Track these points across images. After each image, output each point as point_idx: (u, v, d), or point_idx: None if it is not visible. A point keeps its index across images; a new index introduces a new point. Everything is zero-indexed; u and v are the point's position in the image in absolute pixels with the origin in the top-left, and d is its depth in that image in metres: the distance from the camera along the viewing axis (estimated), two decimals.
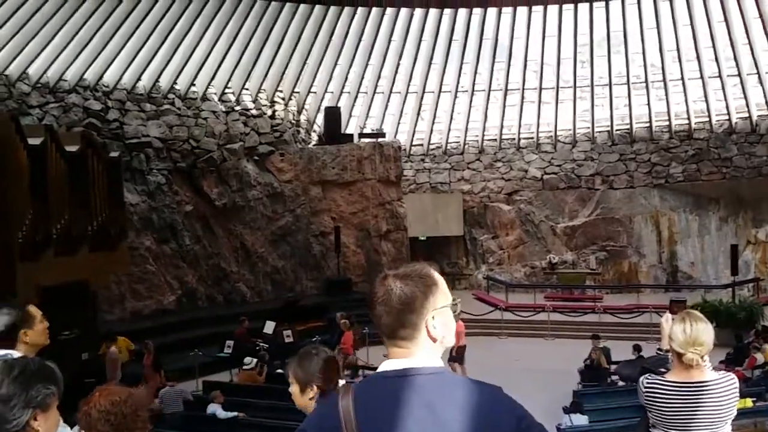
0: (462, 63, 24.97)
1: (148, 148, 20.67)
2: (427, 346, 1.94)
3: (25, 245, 13.15)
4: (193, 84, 22.12)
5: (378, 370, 1.95)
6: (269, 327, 16.54)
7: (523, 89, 25.68)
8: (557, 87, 25.54)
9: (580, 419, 11.52)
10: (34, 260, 13.42)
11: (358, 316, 17.49)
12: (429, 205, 26.24)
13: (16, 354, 3.20)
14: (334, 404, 1.89)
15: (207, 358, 16.25)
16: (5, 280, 12.75)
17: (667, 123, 25.76)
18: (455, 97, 25.86)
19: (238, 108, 22.88)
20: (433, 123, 26.64)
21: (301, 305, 19.60)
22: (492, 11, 23.50)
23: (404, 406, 1.85)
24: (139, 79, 21.10)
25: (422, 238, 25.94)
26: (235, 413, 12.26)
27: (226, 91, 22.79)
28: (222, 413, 12.20)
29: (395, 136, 26.00)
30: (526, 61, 25.06)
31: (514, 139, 26.91)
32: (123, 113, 20.75)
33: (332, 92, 25.11)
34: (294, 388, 3.18)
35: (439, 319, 1.95)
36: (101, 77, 20.37)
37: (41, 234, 13.68)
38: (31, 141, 13.66)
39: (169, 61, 21.13)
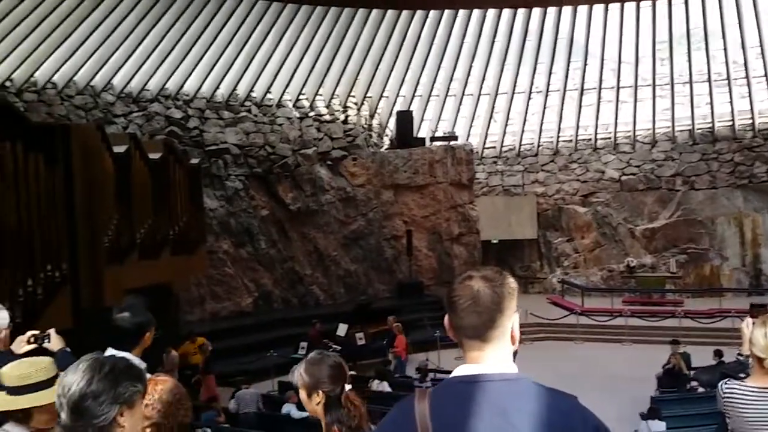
0: (536, 63, 24.69)
1: (226, 155, 21.27)
2: (506, 349, 1.95)
3: (111, 250, 13.74)
4: (268, 91, 22.62)
5: (453, 375, 1.95)
6: (342, 329, 16.78)
7: (600, 88, 25.22)
8: (635, 85, 24.95)
9: (658, 426, 11.30)
10: (119, 264, 14.01)
11: (431, 318, 17.53)
12: (502, 207, 26.04)
13: (135, 359, 3.41)
14: (409, 409, 1.89)
15: (282, 359, 16.59)
16: (93, 284, 13.37)
17: (751, 121, 24.86)
18: (529, 98, 25.60)
19: (311, 114, 23.27)
20: (506, 125, 26.43)
21: (373, 308, 19.76)
22: (567, 9, 23.16)
23: (479, 413, 1.84)
24: (217, 87, 21.73)
25: (494, 242, 25.77)
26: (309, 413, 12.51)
27: (300, 97, 23.22)
28: (296, 413, 12.47)
29: (467, 139, 25.91)
30: (603, 59, 24.61)
31: (590, 139, 26.45)
32: (202, 121, 21.41)
33: (404, 96, 25.24)
34: (302, 394, 3.19)
35: (516, 323, 2.00)
36: (182, 87, 21.07)
37: (126, 239, 14.27)
38: (116, 149, 14.26)
39: (245, 69, 21.67)
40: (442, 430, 1.83)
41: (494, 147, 26.98)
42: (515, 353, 1.87)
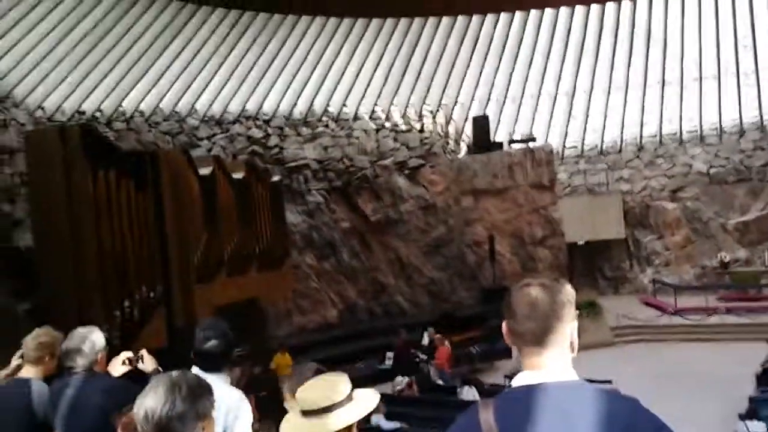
0: (614, 58, 24.20)
1: (306, 170, 21.71)
2: (565, 356, 1.98)
3: (200, 269, 14.25)
4: (344, 105, 22.98)
5: (515, 383, 1.98)
6: (426, 338, 16.82)
7: (682, 80, 24.50)
8: (719, 75, 24.13)
9: (757, 426, 10.88)
10: (209, 282, 14.51)
11: None
12: (586, 208, 25.52)
13: (224, 381, 3.58)
14: (474, 418, 1.92)
15: (369, 370, 16.76)
16: (185, 302, 13.88)
17: None
18: (608, 94, 25.09)
19: (387, 125, 23.48)
20: (587, 123, 25.97)
21: (457, 315, 19.73)
22: (642, 2, 22.65)
23: (543, 420, 1.86)
24: (295, 105, 22.23)
25: (580, 243, 25.30)
26: (398, 424, 12.62)
27: (376, 109, 23.47)
28: (385, 424, 12.59)
29: (546, 140, 25.60)
30: (682, 51, 23.92)
31: (675, 133, 25.69)
32: (282, 138, 21.92)
33: (479, 101, 25.17)
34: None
35: (575, 330, 2.02)
36: (261, 107, 21.67)
37: (214, 257, 14.77)
38: (202, 171, 14.79)
39: (321, 86, 22.11)
40: None
41: (575, 146, 26.53)
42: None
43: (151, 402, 2.03)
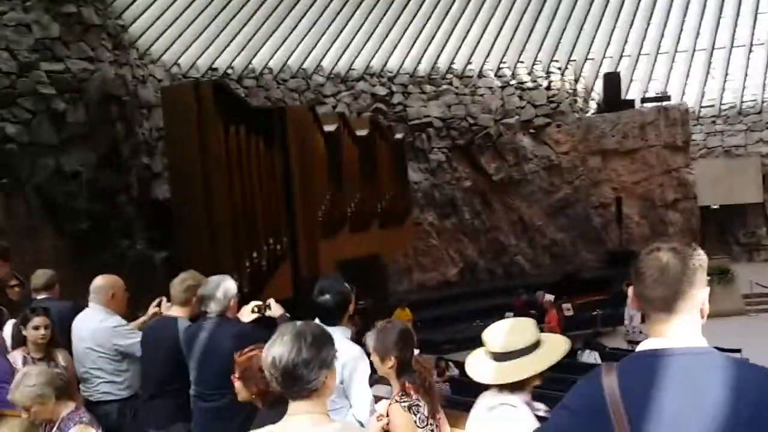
0: (756, 14, 22.58)
1: (429, 128, 21.70)
2: (694, 323, 1.92)
3: (324, 224, 14.64)
4: (469, 62, 22.68)
5: (641, 348, 1.93)
6: (548, 300, 16.60)
7: None
8: None
9: None
10: (332, 237, 14.89)
11: None
12: (722, 170, 24.19)
13: (340, 331, 3.72)
14: (597, 382, 1.88)
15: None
16: (310, 255, 14.34)
17: None
18: (750, 51, 23.49)
19: (513, 82, 23.01)
20: (725, 81, 24.46)
21: (580, 278, 19.34)
22: None
23: (669, 386, 1.82)
24: (419, 62, 22.15)
25: (714, 207, 24.07)
26: None
27: (501, 66, 23.03)
28: None
29: (682, 99, 24.33)
30: None
31: None
32: (406, 96, 21.95)
33: (611, 57, 24.18)
34: (374, 358, 3.37)
35: (706, 297, 1.94)
36: (386, 64, 21.74)
37: (338, 213, 15.12)
38: (327, 128, 15.10)
39: (446, 42, 21.90)
40: (633, 402, 1.83)
41: (713, 106, 25.09)
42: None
43: (278, 349, 2.12)
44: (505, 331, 3.02)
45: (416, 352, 3.48)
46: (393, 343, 3.33)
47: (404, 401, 3.24)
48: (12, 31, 12.34)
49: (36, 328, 4.62)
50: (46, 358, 4.66)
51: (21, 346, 4.71)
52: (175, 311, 4.62)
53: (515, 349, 2.96)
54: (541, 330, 11.63)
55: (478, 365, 3.06)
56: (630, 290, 2.02)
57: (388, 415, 3.22)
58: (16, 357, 4.65)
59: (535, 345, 2.99)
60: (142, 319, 5.21)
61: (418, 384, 3.32)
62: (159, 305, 5.08)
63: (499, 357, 2.98)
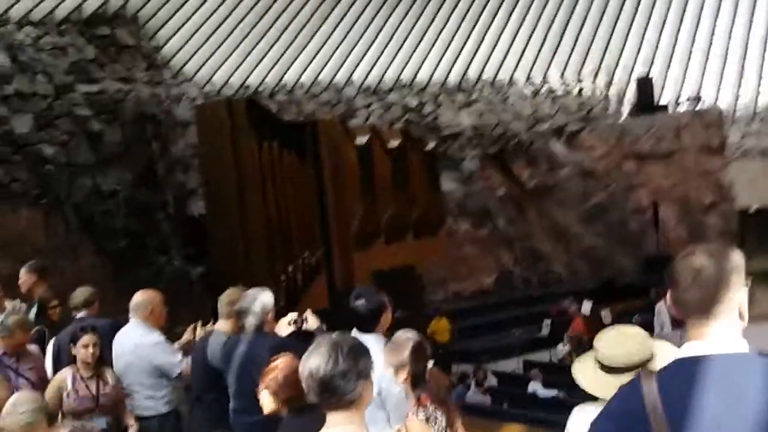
0: None
1: (461, 137, 21.66)
2: (734, 326, 1.89)
3: (358, 235, 14.68)
4: (499, 70, 22.63)
5: (679, 354, 1.91)
6: (586, 307, 16.42)
7: None
8: None
9: None
10: (367, 248, 14.92)
11: None
12: (760, 172, 23.74)
13: (374, 339, 3.74)
14: (636, 389, 1.87)
15: (526, 338, 16.64)
16: (344, 267, 14.38)
17: None
18: None
19: (544, 89, 22.89)
20: (760, 82, 24.06)
21: (618, 284, 19.10)
22: None
23: (710, 391, 1.79)
24: (449, 72, 22.16)
25: (753, 209, 23.63)
26: (555, 392, 12.50)
27: (532, 73, 22.93)
28: (542, 391, 12.52)
29: (717, 101, 24.00)
30: None
31: None
32: (437, 106, 21.96)
33: (643, 61, 23.94)
34: (389, 371, 3.39)
35: (744, 299, 1.91)
36: (416, 75, 21.79)
37: (372, 224, 15.15)
38: (359, 140, 15.17)
39: (476, 51, 21.88)
40: (672, 408, 1.81)
41: (748, 107, 24.68)
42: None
43: (315, 360, 2.14)
44: (620, 344, 2.92)
45: (430, 364, 3.51)
46: (407, 356, 3.36)
47: (421, 413, 3.27)
48: (48, 55, 12.66)
49: (85, 346, 4.69)
50: (95, 376, 4.74)
51: (70, 364, 4.80)
52: (220, 325, 4.76)
53: (630, 364, 2.86)
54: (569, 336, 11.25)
55: (588, 374, 2.99)
56: (668, 295, 2.00)
57: (407, 429, 3.23)
58: (66, 375, 4.73)
59: (650, 359, 2.89)
60: (184, 338, 5.29)
61: (434, 395, 3.34)
62: (194, 330, 5.17)
63: (612, 370, 2.89)
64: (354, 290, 4.04)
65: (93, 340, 4.71)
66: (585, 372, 2.96)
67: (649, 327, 16.67)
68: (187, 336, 5.25)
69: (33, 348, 5.35)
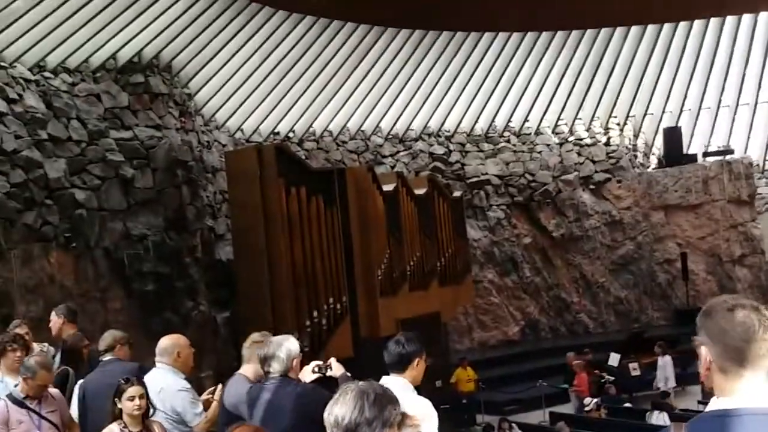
0: None
1: (487, 186, 21.72)
2: (764, 383, 1.89)
3: (384, 282, 14.68)
4: (527, 120, 22.75)
5: (709, 408, 1.92)
6: (614, 359, 16.19)
7: None
8: None
9: None
10: (392, 295, 14.90)
11: None
12: None
13: (399, 383, 3.73)
14: None
15: (552, 389, 16.39)
16: (369, 314, 14.35)
17: None
18: None
19: (571, 138, 22.94)
20: None
21: (647, 336, 18.80)
22: None
23: None
24: (476, 121, 22.33)
25: None
26: None
27: (559, 123, 23.02)
28: None
29: (746, 152, 23.83)
30: None
31: None
32: (463, 155, 22.09)
33: (671, 112, 23.93)
34: None
35: None
36: (443, 123, 21.98)
37: (398, 271, 15.15)
38: (386, 188, 15.28)
39: (503, 101, 22.05)
40: None
41: None
42: None
43: (341, 408, 2.13)
44: None
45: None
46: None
47: None
48: (83, 101, 12.98)
49: (131, 399, 4.49)
50: (144, 430, 4.57)
51: (117, 419, 4.55)
52: (244, 369, 4.79)
53: None
54: (574, 393, 10.93)
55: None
56: (703, 348, 1.97)
57: None
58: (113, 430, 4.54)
59: None
60: (204, 397, 5.28)
61: None
62: (213, 392, 5.20)
63: None
64: (398, 335, 4.03)
65: (139, 391, 4.52)
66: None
67: (680, 379, 16.41)
68: (205, 396, 5.26)
69: (54, 391, 5.38)
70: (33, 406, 5.14)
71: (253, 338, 4.80)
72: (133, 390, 4.51)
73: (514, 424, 13.69)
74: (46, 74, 12.90)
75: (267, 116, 19.18)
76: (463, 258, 18.22)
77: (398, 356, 3.85)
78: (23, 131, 11.65)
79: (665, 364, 15.85)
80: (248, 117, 18.79)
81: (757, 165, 24.00)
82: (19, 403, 5.12)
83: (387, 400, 2.18)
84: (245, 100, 18.18)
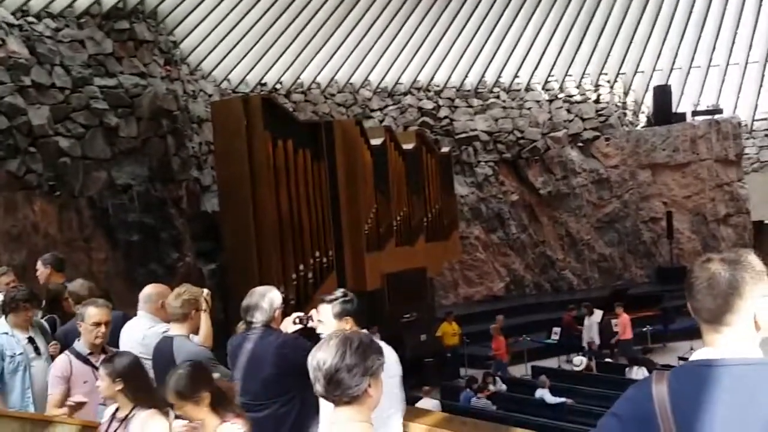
0: None
1: (475, 142, 21.63)
2: (748, 334, 1.88)
3: (371, 237, 14.69)
4: (516, 76, 22.57)
5: (692, 358, 1.92)
6: (597, 316, 16.34)
7: None
8: None
9: None
10: (379, 250, 14.93)
11: None
12: None
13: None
14: (647, 389, 1.87)
15: (535, 344, 16.58)
16: (356, 269, 14.40)
17: None
18: None
19: (561, 95, 22.82)
20: None
21: (630, 294, 18.99)
22: None
23: (720, 397, 1.79)
24: (466, 76, 22.14)
25: None
26: (563, 399, 12.45)
27: (549, 79, 22.86)
28: (550, 398, 12.46)
29: (734, 112, 23.81)
30: None
31: None
32: (452, 110, 21.95)
33: (661, 70, 23.81)
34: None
35: (764, 308, 1.89)
36: (432, 78, 21.78)
37: (384, 226, 15.16)
38: (374, 142, 15.20)
39: (494, 56, 21.83)
40: (681, 411, 1.81)
41: (766, 119, 24.50)
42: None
43: (323, 353, 2.15)
44: None
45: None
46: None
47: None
48: (66, 47, 12.73)
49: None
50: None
51: None
52: (175, 329, 4.53)
53: None
54: (491, 358, 11.06)
55: None
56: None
57: None
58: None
59: None
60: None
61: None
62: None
63: None
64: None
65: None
66: None
67: (661, 336, 16.70)
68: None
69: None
70: (97, 363, 4.39)
71: (182, 294, 4.54)
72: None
73: (497, 377, 13.86)
74: (30, 19, 12.63)
75: (254, 66, 18.92)
76: (450, 214, 18.22)
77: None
78: (6, 77, 11.45)
79: (591, 324, 16.07)
80: (235, 67, 18.53)
81: (746, 125, 24.01)
82: (84, 359, 4.59)
83: (371, 349, 2.19)
84: (232, 50, 17.91)
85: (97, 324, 4.58)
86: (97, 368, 4.14)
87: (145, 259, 12.48)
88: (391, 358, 3.56)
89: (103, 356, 4.28)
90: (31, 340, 5.22)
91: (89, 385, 4.36)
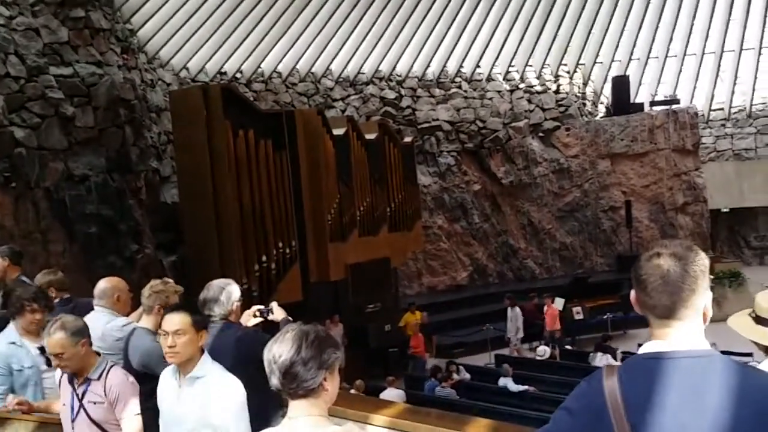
0: (766, 16, 22.46)
1: (438, 132, 21.68)
2: (696, 327, 1.90)
3: (333, 227, 14.63)
4: (478, 66, 22.66)
5: (642, 351, 1.93)
6: (559, 304, 16.52)
7: None
8: None
9: None
10: (342, 240, 14.88)
11: None
12: (732, 174, 24.13)
13: None
14: (598, 383, 1.89)
15: (498, 333, 16.71)
16: (319, 259, 14.33)
17: None
18: (759, 54, 23.37)
19: (522, 86, 22.97)
20: (735, 84, 24.35)
21: (591, 282, 19.25)
22: None
23: (671, 389, 1.82)
24: (428, 66, 22.15)
25: (724, 210, 23.96)
26: (526, 387, 12.58)
27: (510, 69, 22.99)
28: (513, 386, 12.58)
29: (691, 102, 24.25)
30: None
31: None
32: (415, 100, 21.96)
33: (620, 61, 24.10)
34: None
35: (709, 301, 1.93)
36: (394, 68, 21.75)
37: (347, 216, 15.11)
38: (336, 132, 15.13)
39: (455, 46, 21.88)
40: (633, 405, 1.83)
41: (722, 109, 24.99)
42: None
43: (279, 347, 2.14)
44: None
45: None
46: None
47: None
48: (21, 36, 12.38)
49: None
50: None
51: None
52: (145, 321, 4.43)
53: None
54: (410, 355, 11.19)
55: (745, 325, 2.91)
56: (633, 294, 1.98)
57: None
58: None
59: None
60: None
61: None
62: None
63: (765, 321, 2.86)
64: None
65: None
66: (741, 324, 2.93)
67: (622, 323, 16.95)
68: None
69: (118, 376, 4.53)
70: (77, 386, 3.83)
71: (153, 286, 4.46)
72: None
73: (460, 366, 13.94)
74: None
75: (213, 55, 18.68)
76: (413, 204, 18.26)
77: None
78: None
79: (515, 315, 16.21)
80: (193, 55, 18.27)
81: (702, 115, 24.46)
82: (69, 378, 3.88)
83: (327, 343, 2.17)
84: (190, 38, 17.65)
85: (56, 355, 3.85)
86: (75, 393, 3.80)
87: (103, 252, 12.24)
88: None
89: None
90: (42, 350, 4.32)
91: (65, 411, 3.90)
